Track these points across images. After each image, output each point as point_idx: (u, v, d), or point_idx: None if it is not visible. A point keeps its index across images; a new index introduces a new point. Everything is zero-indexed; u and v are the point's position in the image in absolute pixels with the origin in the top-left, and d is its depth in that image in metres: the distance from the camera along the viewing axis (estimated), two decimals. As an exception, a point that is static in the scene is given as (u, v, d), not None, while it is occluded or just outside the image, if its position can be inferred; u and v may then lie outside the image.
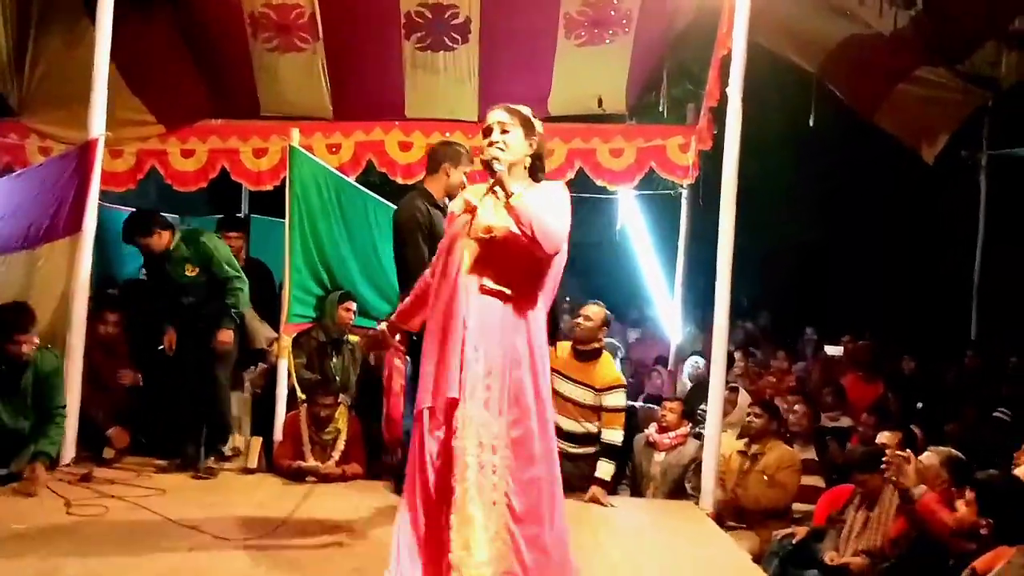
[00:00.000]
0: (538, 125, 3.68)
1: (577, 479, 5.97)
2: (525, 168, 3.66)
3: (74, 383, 5.82)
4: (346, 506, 5.28)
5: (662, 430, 6.55)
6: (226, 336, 6.02)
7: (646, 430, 6.69)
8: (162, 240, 6.09)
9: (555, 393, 5.87)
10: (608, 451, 6.02)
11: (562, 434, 5.99)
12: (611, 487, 6.15)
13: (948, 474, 4.75)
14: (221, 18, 7.79)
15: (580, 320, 6.17)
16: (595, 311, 6.14)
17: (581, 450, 6.08)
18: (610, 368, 6.17)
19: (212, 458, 6.10)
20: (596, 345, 6.17)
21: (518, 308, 3.47)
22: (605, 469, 5.98)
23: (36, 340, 5.41)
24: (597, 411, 6.05)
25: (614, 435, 6.03)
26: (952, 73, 7.07)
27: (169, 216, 9.90)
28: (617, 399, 6.06)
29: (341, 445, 6.10)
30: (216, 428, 6.19)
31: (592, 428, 6.07)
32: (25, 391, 5.47)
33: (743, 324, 12.15)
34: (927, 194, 12.19)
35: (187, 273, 6.13)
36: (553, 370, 5.80)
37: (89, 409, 6.02)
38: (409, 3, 7.65)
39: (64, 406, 5.66)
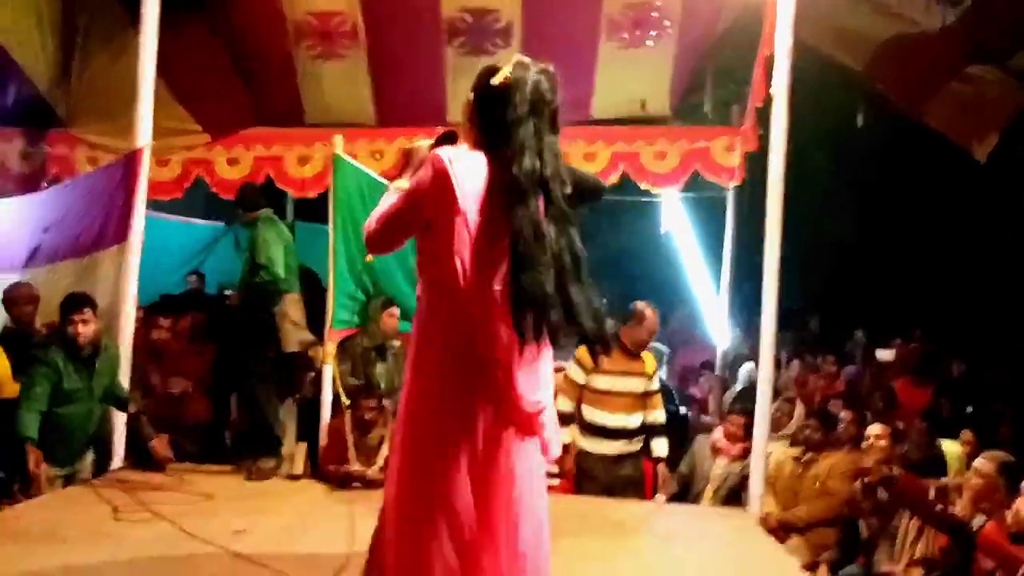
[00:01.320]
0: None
1: (624, 485, 6.12)
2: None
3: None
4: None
5: (730, 438, 6.49)
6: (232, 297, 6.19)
7: (712, 434, 6.63)
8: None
9: (606, 393, 6.05)
10: (658, 430, 6.22)
11: (611, 433, 6.13)
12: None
13: (1003, 480, 4.64)
14: (264, 26, 7.84)
15: (643, 329, 6.18)
16: (652, 316, 6.18)
17: (629, 448, 6.18)
18: (650, 354, 6.37)
19: (261, 460, 6.14)
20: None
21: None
22: (661, 445, 6.21)
23: (94, 322, 5.46)
24: (645, 398, 6.20)
25: (661, 415, 6.26)
26: (1001, 70, 6.93)
27: (214, 224, 10.12)
28: (658, 381, 6.38)
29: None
30: (258, 430, 6.27)
31: (639, 419, 6.17)
32: (99, 379, 5.56)
33: (792, 328, 12.00)
34: (977, 193, 11.96)
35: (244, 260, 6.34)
36: (604, 371, 5.99)
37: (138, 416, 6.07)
38: (451, 9, 7.66)
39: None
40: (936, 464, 5.51)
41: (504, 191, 2.75)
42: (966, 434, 6.01)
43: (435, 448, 2.84)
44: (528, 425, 2.90)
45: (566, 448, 6.14)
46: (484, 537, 2.81)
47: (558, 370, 6.97)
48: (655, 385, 6.26)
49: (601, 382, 6.06)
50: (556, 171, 2.81)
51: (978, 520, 4.49)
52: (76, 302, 5.44)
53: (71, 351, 5.40)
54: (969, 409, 7.78)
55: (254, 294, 6.21)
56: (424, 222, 2.86)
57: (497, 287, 2.78)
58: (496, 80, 2.86)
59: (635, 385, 6.16)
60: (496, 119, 2.83)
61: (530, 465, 2.91)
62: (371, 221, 2.98)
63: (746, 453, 6.34)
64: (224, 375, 7.10)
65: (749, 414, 6.43)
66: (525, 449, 2.90)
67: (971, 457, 5.22)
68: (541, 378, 2.94)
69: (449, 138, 3.02)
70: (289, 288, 6.31)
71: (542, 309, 2.71)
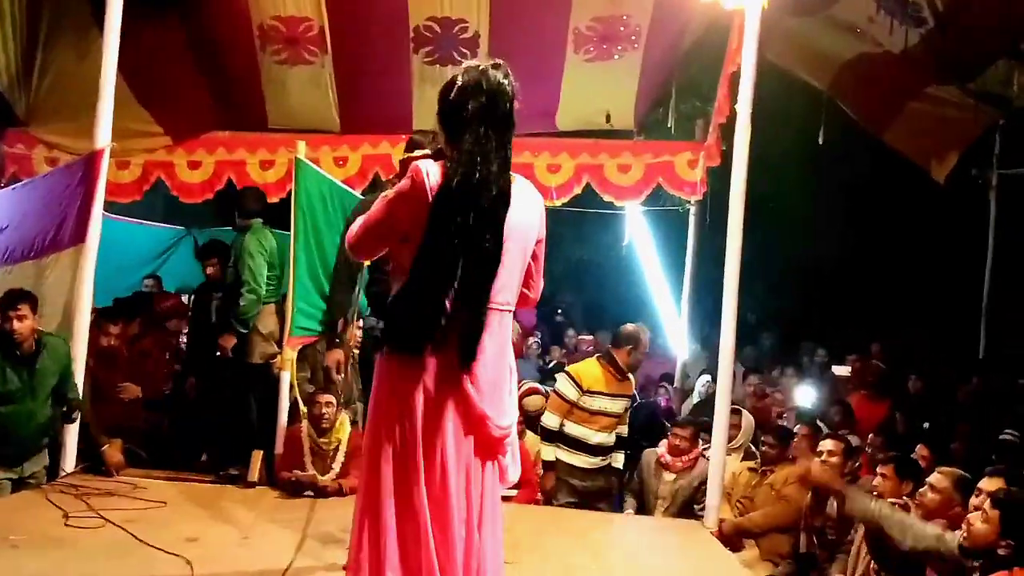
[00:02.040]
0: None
1: (594, 496, 6.45)
2: None
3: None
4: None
5: (674, 452, 6.51)
6: (226, 342, 6.38)
7: (657, 448, 6.66)
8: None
9: (596, 412, 6.36)
10: (622, 443, 6.64)
11: (593, 449, 6.42)
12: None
13: (959, 495, 4.69)
14: (230, 30, 7.77)
15: (640, 352, 6.55)
16: (647, 339, 6.63)
17: (606, 462, 6.52)
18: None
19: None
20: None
21: None
22: (620, 460, 6.66)
23: (31, 318, 5.38)
24: (623, 415, 6.58)
25: (625, 429, 6.63)
26: (963, 92, 7.03)
27: (173, 227, 10.03)
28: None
29: (341, 457, 6.04)
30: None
31: (615, 436, 6.54)
32: (42, 378, 5.46)
33: (750, 343, 12.08)
34: (937, 213, 12.13)
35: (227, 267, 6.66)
36: (593, 392, 6.32)
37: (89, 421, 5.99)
38: (418, 17, 7.63)
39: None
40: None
41: (437, 198, 2.85)
42: (922, 449, 6.06)
43: (400, 464, 2.90)
44: (493, 448, 2.99)
45: (549, 465, 6.23)
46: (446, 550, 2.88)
47: (532, 392, 7.09)
48: (631, 404, 6.65)
49: (594, 403, 6.37)
50: (494, 176, 2.89)
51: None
52: (12, 298, 5.36)
53: (7, 350, 5.33)
54: (925, 425, 7.86)
55: (236, 315, 6.51)
56: (403, 231, 2.93)
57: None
58: (452, 93, 2.96)
59: (621, 406, 6.49)
60: (449, 129, 2.95)
61: (493, 485, 3.01)
62: (353, 228, 3.06)
63: (694, 463, 6.39)
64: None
65: (695, 425, 6.55)
66: (488, 470, 2.99)
67: (927, 472, 5.26)
68: (508, 405, 3.02)
69: (440, 154, 3.03)
70: (268, 300, 6.57)
71: (427, 315, 2.87)
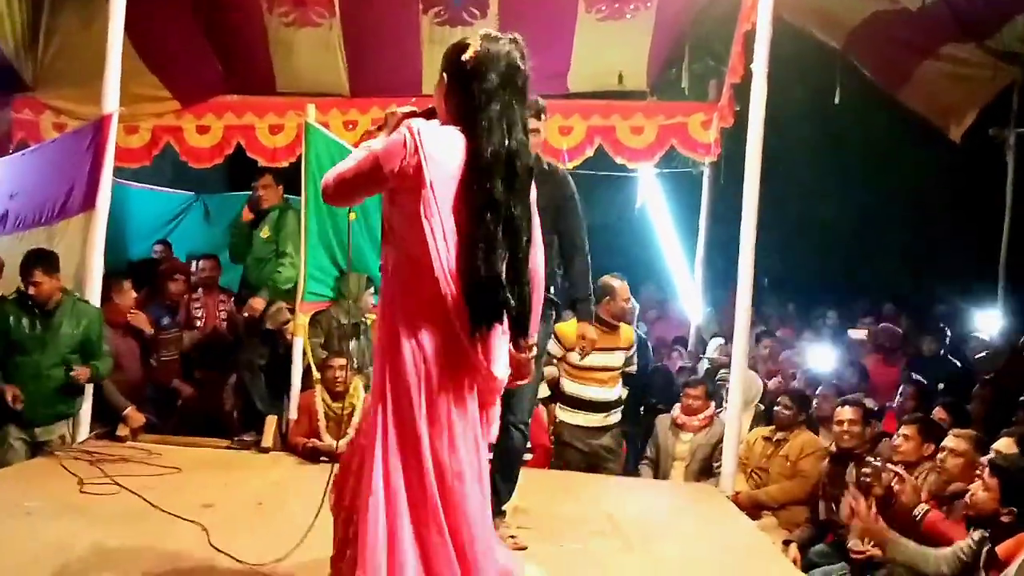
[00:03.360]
0: None
1: (603, 455, 6.36)
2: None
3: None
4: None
5: (688, 412, 6.48)
6: (257, 303, 6.62)
7: (672, 412, 6.63)
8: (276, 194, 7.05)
9: (587, 368, 6.14)
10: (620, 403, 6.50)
11: (592, 406, 6.31)
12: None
13: (979, 456, 4.63)
14: (236, -8, 7.70)
15: (619, 300, 6.32)
16: (622, 285, 6.35)
17: (609, 420, 6.37)
18: (629, 327, 6.57)
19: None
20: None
21: None
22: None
23: (47, 282, 5.47)
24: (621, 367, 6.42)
25: (631, 369, 6.59)
26: (981, 50, 6.92)
27: (183, 193, 9.99)
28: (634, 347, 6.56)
29: (356, 422, 6.03)
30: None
31: (618, 392, 6.40)
32: (56, 334, 5.52)
33: (763, 305, 12.02)
34: (953, 172, 12.01)
35: (263, 235, 6.89)
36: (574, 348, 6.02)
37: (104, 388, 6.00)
38: (427, -22, 7.55)
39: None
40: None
41: (472, 167, 2.79)
42: (939, 412, 6.02)
43: (411, 415, 2.83)
44: (492, 396, 2.97)
45: (541, 423, 6.21)
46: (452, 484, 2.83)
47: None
48: (632, 350, 6.47)
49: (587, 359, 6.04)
50: (523, 146, 2.85)
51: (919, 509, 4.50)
52: (34, 260, 5.50)
53: (25, 302, 5.46)
54: (940, 386, 7.81)
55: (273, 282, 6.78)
56: (384, 186, 2.88)
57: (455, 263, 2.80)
58: (466, 56, 2.85)
59: (615, 360, 6.31)
60: (469, 95, 2.84)
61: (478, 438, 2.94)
62: (331, 174, 2.96)
63: (709, 422, 6.37)
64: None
65: (707, 384, 6.53)
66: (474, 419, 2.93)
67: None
68: (503, 354, 2.95)
69: (430, 114, 2.99)
70: None
71: (494, 291, 2.79)
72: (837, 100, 7.73)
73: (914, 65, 7.22)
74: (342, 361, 6.05)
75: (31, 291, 5.41)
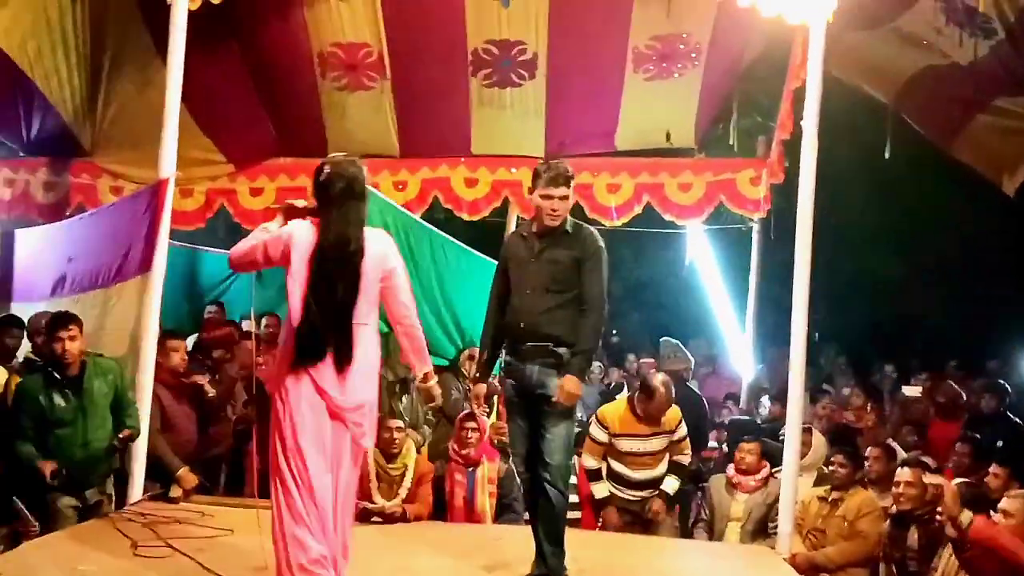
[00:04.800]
0: None
1: (641, 522, 6.26)
2: None
3: (143, 421, 5.80)
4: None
5: (741, 472, 6.37)
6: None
7: (726, 471, 6.53)
8: None
9: (629, 453, 6.19)
10: (675, 468, 6.29)
11: (631, 484, 6.27)
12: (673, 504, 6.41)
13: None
14: (290, 58, 7.85)
15: (657, 401, 6.15)
16: (665, 389, 6.14)
17: (645, 493, 6.29)
18: (674, 409, 6.30)
19: None
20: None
21: None
22: (671, 484, 6.25)
23: (80, 339, 5.41)
24: (670, 447, 6.29)
25: (684, 459, 6.36)
26: (1032, 103, 6.84)
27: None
28: (684, 429, 6.31)
29: (408, 483, 6.01)
30: None
31: (664, 467, 6.29)
32: (93, 399, 5.46)
33: (815, 363, 11.87)
34: (1007, 225, 11.84)
35: None
36: (620, 434, 6.17)
37: (157, 448, 6.01)
38: (476, 41, 7.65)
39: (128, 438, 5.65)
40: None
41: (316, 251, 3.98)
42: (996, 468, 5.87)
43: (294, 438, 3.96)
44: (337, 418, 3.99)
45: (603, 502, 6.22)
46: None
47: None
48: (681, 433, 6.28)
49: (624, 444, 6.21)
50: (354, 235, 4.02)
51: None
52: (63, 320, 5.42)
53: (52, 375, 5.37)
54: (999, 444, 7.63)
55: None
56: (271, 264, 4.08)
57: None
58: (321, 176, 4.09)
59: (657, 444, 6.25)
60: (322, 202, 4.08)
61: (348, 451, 4.07)
62: (236, 249, 4.16)
63: (765, 482, 6.26)
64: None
65: (762, 441, 6.43)
66: (345, 435, 4.04)
67: (1002, 491, 5.10)
68: (351, 385, 3.99)
69: (313, 210, 4.14)
70: None
71: (313, 335, 3.95)
72: (887, 155, 7.67)
73: (966, 119, 7.14)
74: (398, 423, 6.06)
75: (67, 346, 5.31)
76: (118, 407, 5.61)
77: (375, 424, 4.27)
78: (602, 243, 4.65)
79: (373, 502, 5.91)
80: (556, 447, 4.56)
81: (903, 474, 5.46)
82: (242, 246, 4.11)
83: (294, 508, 3.96)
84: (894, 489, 5.47)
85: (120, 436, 5.54)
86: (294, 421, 3.93)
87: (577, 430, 5.34)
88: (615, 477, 6.30)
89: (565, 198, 4.56)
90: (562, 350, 4.54)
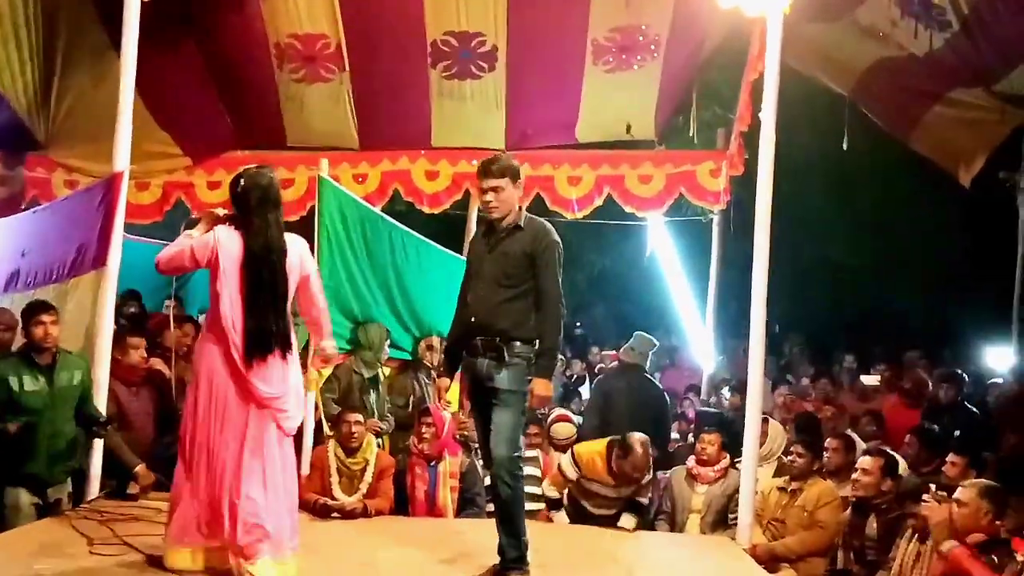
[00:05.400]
0: None
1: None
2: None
3: (99, 418, 5.73)
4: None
5: (702, 463, 6.39)
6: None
7: (686, 463, 6.54)
8: None
9: (596, 495, 6.10)
10: (633, 507, 6.09)
11: (589, 517, 6.20)
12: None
13: (990, 505, 4.56)
14: (247, 49, 7.78)
15: (635, 458, 5.95)
16: (642, 448, 5.94)
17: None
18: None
19: None
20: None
21: None
22: (629, 521, 6.00)
23: (56, 327, 5.39)
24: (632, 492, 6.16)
25: (644, 499, 6.15)
26: (988, 94, 6.90)
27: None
28: (650, 475, 6.13)
29: (369, 478, 5.98)
30: None
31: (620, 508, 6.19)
32: (62, 392, 5.41)
33: (775, 352, 11.96)
34: (965, 215, 11.99)
35: None
36: (590, 478, 6.06)
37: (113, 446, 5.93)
38: (435, 32, 7.61)
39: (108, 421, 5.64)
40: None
41: (247, 256, 4.35)
42: (953, 457, 5.94)
43: (204, 416, 4.38)
44: (262, 406, 4.35)
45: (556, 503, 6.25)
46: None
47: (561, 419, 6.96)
48: (647, 478, 6.09)
49: (592, 486, 6.11)
50: (275, 237, 4.41)
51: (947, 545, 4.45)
52: (39, 307, 5.39)
53: (28, 358, 5.33)
54: (957, 433, 7.71)
55: None
56: (197, 268, 4.47)
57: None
58: (238, 187, 4.44)
59: (626, 492, 6.11)
60: (242, 210, 4.44)
61: (271, 429, 4.39)
62: (163, 253, 4.43)
63: (724, 473, 6.28)
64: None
65: (722, 432, 6.43)
66: (265, 418, 4.38)
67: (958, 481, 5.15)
68: (274, 376, 4.36)
69: (233, 218, 4.46)
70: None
71: (261, 331, 4.34)
72: (846, 146, 7.73)
73: (922, 110, 7.21)
74: (357, 416, 6.02)
75: (40, 333, 5.28)
76: (84, 401, 5.56)
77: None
78: (555, 237, 4.62)
79: (334, 498, 5.88)
80: (500, 439, 4.55)
81: (864, 461, 5.50)
82: (168, 251, 4.42)
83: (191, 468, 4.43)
84: (853, 476, 5.52)
85: (98, 424, 5.51)
86: (216, 405, 4.37)
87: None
88: (576, 508, 6.25)
89: (496, 189, 4.56)
90: (517, 346, 4.53)
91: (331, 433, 6.25)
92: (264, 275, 4.35)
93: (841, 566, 5.46)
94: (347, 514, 5.77)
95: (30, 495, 5.35)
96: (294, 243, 4.52)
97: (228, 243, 4.34)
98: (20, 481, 5.29)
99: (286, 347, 4.40)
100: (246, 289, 4.33)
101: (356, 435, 5.98)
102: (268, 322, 4.33)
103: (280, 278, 4.39)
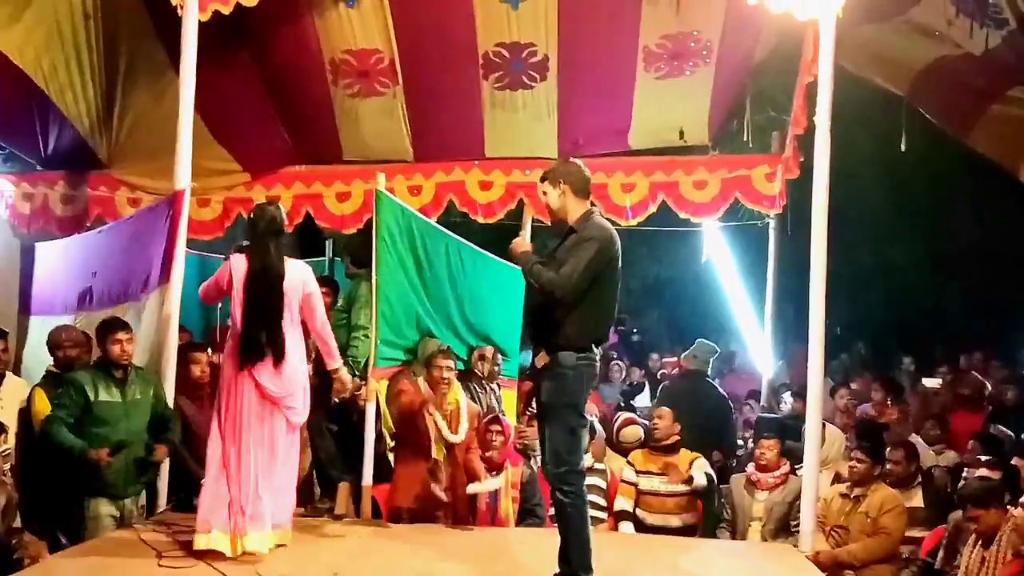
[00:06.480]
0: None
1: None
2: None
3: (166, 432, 5.84)
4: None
5: (761, 469, 6.36)
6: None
7: (745, 470, 6.51)
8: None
9: (651, 494, 6.42)
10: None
11: (651, 530, 6.39)
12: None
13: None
14: (302, 66, 7.88)
15: (663, 427, 6.56)
16: (665, 411, 6.55)
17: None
18: (686, 451, 6.55)
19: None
20: (675, 439, 6.56)
21: None
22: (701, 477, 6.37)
23: (133, 341, 5.61)
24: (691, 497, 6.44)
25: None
26: (1046, 91, 6.79)
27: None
28: (702, 475, 6.40)
29: (464, 419, 6.13)
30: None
31: (690, 519, 6.46)
32: (135, 405, 5.56)
33: (836, 356, 11.82)
34: (1024, 216, 11.76)
35: (337, 306, 6.82)
36: (646, 472, 6.42)
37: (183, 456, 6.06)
38: (487, 44, 7.65)
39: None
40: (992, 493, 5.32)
41: (248, 278, 5.07)
42: (1020, 462, 5.85)
43: (226, 414, 5.07)
44: (273, 403, 5.07)
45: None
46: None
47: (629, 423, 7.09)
48: (700, 481, 6.35)
49: (644, 483, 6.41)
50: (272, 263, 5.09)
51: None
52: (117, 324, 5.60)
53: (104, 371, 5.50)
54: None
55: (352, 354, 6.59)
56: (224, 293, 5.20)
57: None
58: (249, 217, 5.38)
59: (679, 489, 6.37)
60: (250, 237, 5.27)
61: (280, 422, 5.13)
62: (204, 284, 5.32)
63: (785, 480, 6.25)
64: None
65: (778, 438, 6.42)
66: (278, 416, 5.12)
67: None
68: (279, 377, 5.06)
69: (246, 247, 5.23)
70: None
71: (253, 341, 5.04)
72: (903, 147, 7.64)
73: (981, 109, 7.10)
74: (448, 362, 6.19)
75: (117, 350, 5.45)
76: (158, 420, 5.71)
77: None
78: (599, 234, 4.54)
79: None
80: (548, 449, 4.57)
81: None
82: (206, 283, 5.31)
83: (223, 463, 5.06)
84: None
85: (156, 457, 5.67)
86: (234, 405, 5.05)
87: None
88: (637, 524, 6.45)
89: (545, 194, 4.78)
90: (562, 355, 4.49)
91: (391, 444, 6.30)
92: (257, 292, 5.04)
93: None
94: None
95: (108, 505, 5.49)
96: (296, 267, 5.21)
97: (238, 266, 5.09)
98: (99, 491, 5.44)
99: (278, 353, 5.03)
100: (244, 304, 5.05)
101: (447, 379, 6.09)
102: (258, 332, 5.01)
103: (273, 295, 5.06)
